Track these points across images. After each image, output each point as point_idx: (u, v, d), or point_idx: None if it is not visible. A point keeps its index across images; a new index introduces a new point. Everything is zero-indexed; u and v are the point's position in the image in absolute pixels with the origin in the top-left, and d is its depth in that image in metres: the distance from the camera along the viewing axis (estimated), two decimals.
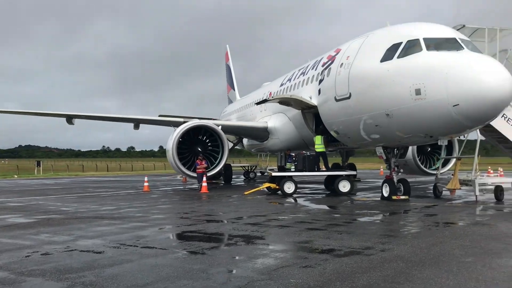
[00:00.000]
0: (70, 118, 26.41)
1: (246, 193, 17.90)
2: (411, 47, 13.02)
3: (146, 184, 21.53)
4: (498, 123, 15.98)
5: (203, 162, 20.30)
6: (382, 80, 13.48)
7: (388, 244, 7.65)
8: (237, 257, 6.83)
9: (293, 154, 21.21)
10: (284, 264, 6.30)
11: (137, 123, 27.33)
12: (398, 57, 13.16)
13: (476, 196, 15.10)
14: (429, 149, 22.83)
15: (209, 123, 21.32)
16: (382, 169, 34.81)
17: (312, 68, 18.91)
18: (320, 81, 17.25)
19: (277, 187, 17.72)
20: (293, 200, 15.85)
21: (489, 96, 11.20)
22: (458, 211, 12.62)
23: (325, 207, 13.95)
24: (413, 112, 12.66)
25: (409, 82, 12.53)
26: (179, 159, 20.68)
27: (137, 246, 7.69)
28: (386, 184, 15.59)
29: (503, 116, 16.03)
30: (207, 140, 21.86)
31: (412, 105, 12.54)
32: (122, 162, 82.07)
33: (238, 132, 26.78)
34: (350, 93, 14.88)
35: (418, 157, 21.91)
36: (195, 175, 20.37)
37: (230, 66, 43.04)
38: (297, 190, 17.80)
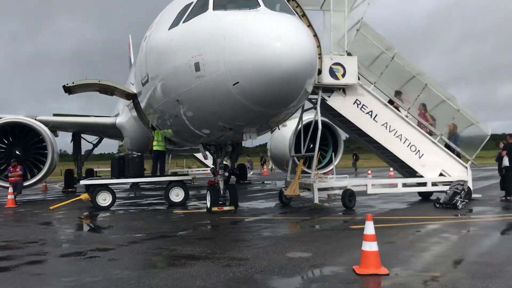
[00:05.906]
0: None
1: (51, 207, 13.99)
2: (200, 6, 9.47)
3: None
4: (348, 111, 12.84)
5: (17, 169, 16.21)
6: (166, 54, 9.95)
7: None
8: None
9: None
10: None
11: None
12: (184, 22, 9.60)
13: (315, 204, 11.84)
14: (312, 145, 19.63)
15: (29, 119, 17.02)
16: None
17: None
18: (135, 62, 13.60)
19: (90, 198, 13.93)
20: (105, 214, 12.16)
21: (273, 68, 7.80)
22: (267, 227, 9.26)
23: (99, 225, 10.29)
24: (197, 95, 9.18)
25: (188, 55, 8.99)
26: None
27: None
28: (209, 191, 12.09)
29: (355, 102, 12.92)
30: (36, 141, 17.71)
31: (194, 85, 9.05)
32: None
33: (89, 130, 22.47)
34: (147, 74, 11.30)
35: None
36: (7, 185, 16.26)
37: (132, 58, 38.64)
38: (116, 201, 14.11)
